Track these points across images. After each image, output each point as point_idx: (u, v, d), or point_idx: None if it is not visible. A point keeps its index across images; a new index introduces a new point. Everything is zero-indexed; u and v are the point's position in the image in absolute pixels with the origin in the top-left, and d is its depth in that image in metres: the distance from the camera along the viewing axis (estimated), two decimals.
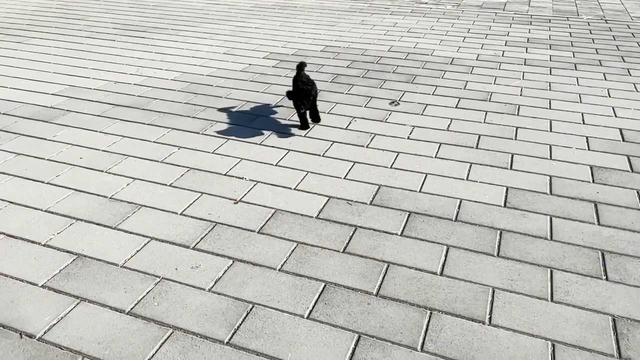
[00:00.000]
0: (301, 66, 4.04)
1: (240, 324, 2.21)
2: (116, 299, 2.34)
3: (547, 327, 2.20)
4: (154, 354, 2.06)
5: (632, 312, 2.28)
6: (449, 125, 4.14)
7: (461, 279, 2.48)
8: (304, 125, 4.02)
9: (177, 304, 2.32)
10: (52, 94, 4.71)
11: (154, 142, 3.83)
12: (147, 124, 4.12)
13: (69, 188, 3.21)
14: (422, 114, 4.36)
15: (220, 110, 4.40)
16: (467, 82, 5.11)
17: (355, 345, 2.12)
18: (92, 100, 4.57)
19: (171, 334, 2.16)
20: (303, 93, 3.77)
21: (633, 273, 2.52)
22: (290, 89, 4.07)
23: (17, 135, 3.91)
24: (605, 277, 2.50)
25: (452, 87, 4.98)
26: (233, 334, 2.16)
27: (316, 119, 4.12)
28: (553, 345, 2.11)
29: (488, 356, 2.06)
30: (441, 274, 2.52)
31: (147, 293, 2.38)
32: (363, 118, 4.28)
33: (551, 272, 2.53)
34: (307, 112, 4.01)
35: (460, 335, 2.16)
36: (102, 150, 3.69)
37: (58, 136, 3.91)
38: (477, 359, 2.05)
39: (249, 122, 4.17)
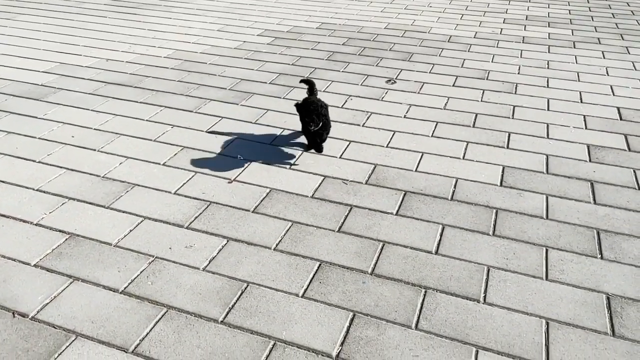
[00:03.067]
0: (311, 88, 3.46)
1: (235, 303, 2.21)
2: (109, 278, 2.32)
3: (541, 306, 2.21)
4: (148, 333, 2.06)
5: (626, 291, 2.29)
6: (445, 104, 4.10)
7: (456, 258, 2.47)
8: (313, 146, 3.32)
9: (171, 283, 2.31)
10: (42, 72, 4.62)
11: (146, 120, 3.78)
12: (140, 102, 4.05)
13: (61, 167, 3.17)
14: (418, 93, 4.31)
15: (214, 88, 4.34)
16: (464, 60, 5.05)
17: (350, 323, 2.12)
18: (84, 78, 4.49)
19: (165, 312, 2.15)
20: (313, 105, 3.14)
21: (628, 252, 2.52)
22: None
23: (7, 114, 3.85)
24: (600, 255, 2.50)
25: (449, 65, 4.92)
26: (227, 313, 2.16)
27: (321, 139, 3.33)
28: (547, 323, 2.12)
29: (482, 334, 2.07)
30: (436, 252, 2.51)
31: (141, 272, 2.36)
32: (359, 96, 4.22)
33: (546, 250, 2.53)
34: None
35: (454, 314, 2.17)
36: (94, 129, 3.64)
37: (49, 114, 3.84)
38: (472, 337, 2.05)
39: (243, 101, 4.11)
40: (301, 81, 3.58)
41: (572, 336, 2.06)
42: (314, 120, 3.11)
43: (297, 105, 3.24)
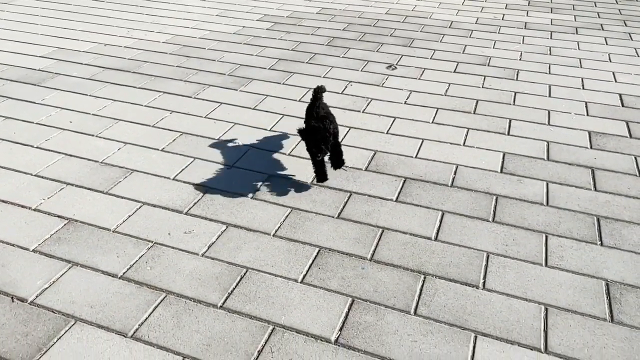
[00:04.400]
0: (319, 91, 2.99)
1: (234, 288, 2.21)
2: (108, 263, 2.32)
3: (540, 292, 2.21)
4: (147, 318, 2.06)
5: (625, 277, 2.29)
6: (446, 90, 4.07)
7: (456, 244, 2.47)
8: (320, 177, 2.88)
9: (170, 268, 2.31)
10: (40, 57, 4.58)
11: (145, 106, 3.75)
12: (138, 88, 4.02)
13: (59, 152, 3.15)
14: (419, 79, 4.27)
15: (213, 73, 4.30)
16: (465, 46, 5.00)
17: (349, 308, 2.12)
18: (82, 63, 4.45)
19: (164, 298, 2.15)
20: (320, 133, 2.67)
21: (628, 238, 2.52)
22: (304, 122, 2.99)
23: (4, 99, 3.82)
24: (600, 242, 2.50)
25: (450, 51, 4.87)
26: (226, 298, 2.16)
27: (339, 163, 2.89)
28: (546, 310, 2.12)
29: (481, 320, 2.07)
30: (436, 239, 2.51)
31: (140, 258, 2.36)
32: (359, 82, 4.19)
33: (546, 237, 2.52)
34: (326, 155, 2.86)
35: (453, 300, 2.17)
36: (92, 114, 3.61)
37: (47, 99, 3.81)
38: (470, 323, 2.06)
39: (242, 86, 4.08)
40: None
41: (570, 322, 2.07)
42: (322, 150, 2.68)
43: (300, 131, 2.78)
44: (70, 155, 3.12)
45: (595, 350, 1.95)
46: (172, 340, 1.97)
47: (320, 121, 2.71)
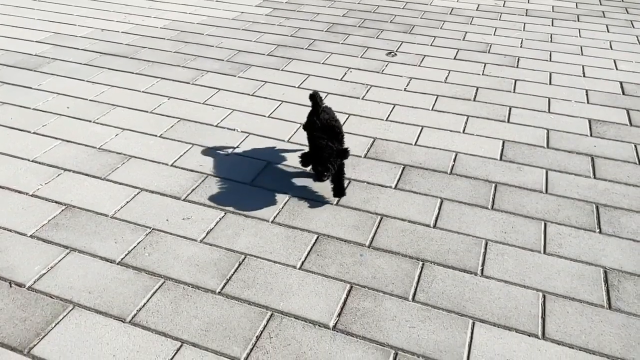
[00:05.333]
0: (317, 99, 2.74)
1: (232, 275, 2.20)
2: (106, 249, 2.31)
3: (538, 279, 2.21)
4: (145, 303, 2.06)
5: (623, 264, 2.29)
6: (446, 77, 4.04)
7: (454, 231, 2.47)
8: (337, 192, 2.64)
9: (168, 254, 2.30)
10: (36, 42, 4.53)
11: (142, 92, 3.72)
12: (136, 74, 3.99)
13: (56, 138, 3.13)
14: (419, 66, 4.24)
15: (211, 59, 4.26)
16: (466, 32, 4.96)
17: (347, 295, 2.12)
18: (78, 49, 4.41)
19: (162, 283, 2.15)
20: (325, 152, 2.44)
21: (626, 226, 2.52)
22: (304, 128, 2.80)
23: (1, 84, 3.78)
24: (598, 229, 2.50)
25: (450, 37, 4.83)
26: (225, 284, 2.16)
27: (340, 190, 2.63)
28: (544, 296, 2.12)
29: (479, 306, 2.07)
30: (434, 226, 2.50)
31: (138, 244, 2.35)
32: (359, 69, 4.16)
33: (545, 224, 2.52)
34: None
35: (452, 286, 2.17)
36: (90, 100, 3.59)
37: (43, 85, 3.78)
38: (468, 309, 2.06)
39: (241, 72, 4.04)
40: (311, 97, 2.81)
41: (568, 309, 2.07)
42: (329, 169, 2.46)
43: (303, 157, 2.60)
44: (68, 141, 3.10)
45: (593, 337, 1.96)
46: (170, 326, 1.97)
47: (324, 131, 2.53)
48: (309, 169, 2.52)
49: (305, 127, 2.77)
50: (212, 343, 1.90)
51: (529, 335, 1.96)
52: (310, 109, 2.78)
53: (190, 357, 1.85)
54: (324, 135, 2.53)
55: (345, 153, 2.53)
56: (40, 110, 3.44)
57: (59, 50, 4.37)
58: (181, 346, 1.89)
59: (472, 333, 1.96)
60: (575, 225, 2.52)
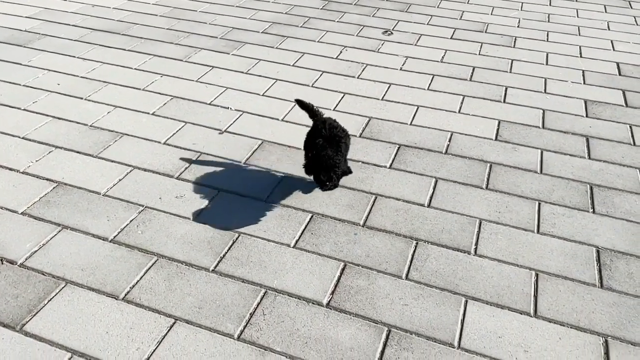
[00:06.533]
0: (307, 108, 2.61)
1: (226, 253, 2.20)
2: (99, 226, 2.30)
3: (531, 258, 2.22)
4: (138, 281, 2.05)
5: (616, 244, 2.30)
6: (443, 57, 4.00)
7: (449, 211, 2.47)
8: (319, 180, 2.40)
9: (161, 232, 2.29)
10: (26, 17, 4.44)
11: (135, 69, 3.66)
12: (128, 50, 3.92)
13: (47, 115, 3.08)
14: (415, 45, 4.20)
15: (205, 37, 4.19)
16: (463, 12, 4.90)
17: (341, 273, 2.12)
18: (69, 24, 4.32)
19: (156, 261, 2.14)
20: (331, 160, 2.29)
21: (620, 206, 2.53)
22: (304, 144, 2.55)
23: None
24: (592, 209, 2.50)
25: (447, 17, 4.78)
26: (219, 262, 2.15)
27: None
28: (537, 275, 2.14)
29: (472, 284, 2.08)
30: (429, 205, 2.50)
31: (131, 221, 2.34)
32: (354, 47, 4.11)
33: (539, 204, 2.52)
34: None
35: (445, 265, 2.17)
36: (81, 77, 3.53)
37: (34, 61, 3.71)
38: (461, 287, 2.07)
39: (234, 50, 3.98)
40: (298, 103, 2.67)
41: (560, 287, 2.08)
42: (333, 179, 2.30)
43: (306, 166, 2.43)
44: (59, 118, 3.05)
45: (584, 315, 1.97)
46: (163, 303, 1.96)
47: (330, 140, 2.32)
48: (310, 177, 2.41)
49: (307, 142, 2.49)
50: (206, 320, 1.90)
51: (521, 313, 1.97)
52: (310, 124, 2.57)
53: (183, 334, 1.85)
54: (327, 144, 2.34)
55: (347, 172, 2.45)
56: (31, 87, 3.38)
57: (50, 26, 4.29)
58: (174, 323, 1.89)
59: (464, 311, 1.97)
60: (569, 205, 2.52)
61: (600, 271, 2.17)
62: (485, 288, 2.07)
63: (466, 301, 2.01)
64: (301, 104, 2.65)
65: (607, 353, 1.84)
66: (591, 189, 2.64)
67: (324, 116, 2.58)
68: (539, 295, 2.05)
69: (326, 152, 2.30)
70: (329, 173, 2.28)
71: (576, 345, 1.86)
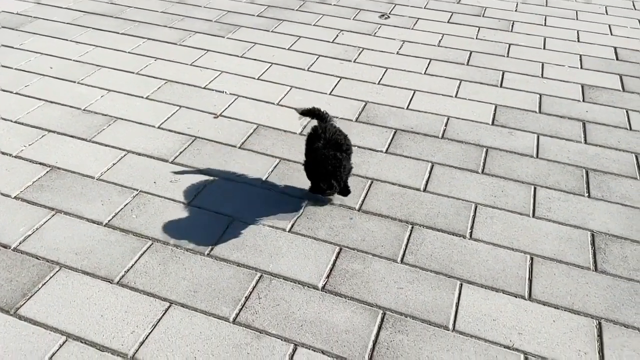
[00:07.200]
0: (314, 114, 2.41)
1: (221, 236, 2.19)
2: (93, 211, 2.28)
3: (526, 242, 2.22)
4: (133, 265, 2.04)
5: (611, 228, 2.31)
6: (440, 41, 3.97)
7: (444, 195, 2.46)
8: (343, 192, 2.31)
9: (156, 216, 2.28)
10: (18, 0, 4.37)
11: (128, 52, 3.62)
12: (121, 34, 3.87)
13: (40, 99, 3.05)
14: (412, 29, 4.16)
15: (199, 20, 4.14)
16: None
17: (337, 257, 2.12)
18: (62, 7, 4.26)
19: (150, 245, 2.13)
20: (331, 164, 2.13)
21: (615, 190, 2.53)
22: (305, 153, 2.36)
23: None
24: (587, 194, 2.51)
25: (444, 1, 4.73)
26: (214, 246, 2.14)
27: (344, 191, 2.33)
28: (531, 259, 2.14)
29: (467, 268, 2.09)
30: (424, 190, 2.50)
31: (125, 206, 2.32)
32: (351, 31, 4.07)
33: (535, 189, 2.52)
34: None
35: (440, 249, 2.17)
36: (74, 60, 3.48)
37: (26, 44, 3.66)
38: (456, 271, 2.07)
39: (229, 34, 3.94)
40: (303, 113, 2.45)
41: (555, 271, 2.09)
42: (333, 186, 2.14)
43: (306, 164, 2.27)
44: (52, 102, 3.02)
45: (578, 298, 1.98)
46: (158, 287, 1.96)
47: (332, 147, 2.15)
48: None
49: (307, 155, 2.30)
50: (201, 303, 1.90)
51: (516, 296, 1.98)
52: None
53: (179, 317, 1.85)
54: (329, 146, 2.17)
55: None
56: (23, 70, 3.34)
57: (42, 8, 4.22)
58: (170, 306, 1.89)
59: (459, 294, 1.98)
60: (565, 190, 2.52)
61: (594, 255, 2.17)
62: (480, 271, 2.08)
63: (461, 284, 2.02)
64: (311, 112, 2.42)
65: (600, 335, 1.85)
66: (587, 173, 2.64)
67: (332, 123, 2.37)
68: (534, 279, 2.05)
69: (327, 152, 2.10)
70: (329, 180, 2.11)
71: (570, 327, 1.87)
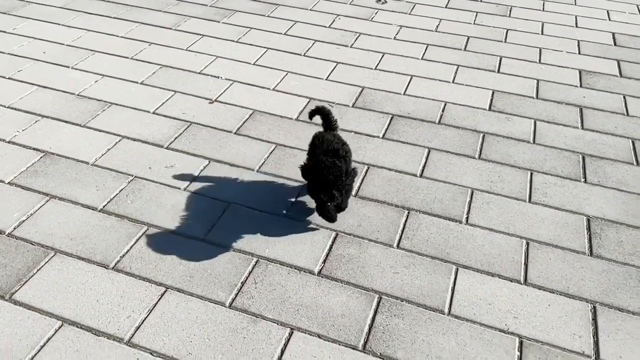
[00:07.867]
0: (322, 113, 2.30)
1: (217, 222, 2.18)
2: (88, 196, 2.27)
3: (523, 227, 2.22)
4: (128, 250, 2.03)
5: (606, 213, 2.31)
6: (437, 26, 3.93)
7: (441, 181, 2.46)
8: (327, 217, 2.11)
9: (151, 202, 2.26)
10: None
11: (122, 37, 3.57)
12: (114, 18, 3.82)
13: (33, 84, 3.01)
14: (410, 14, 4.12)
15: (194, 4, 4.09)
16: None
17: (333, 242, 2.11)
18: None
19: (146, 230, 2.13)
20: (331, 172, 1.99)
21: (611, 176, 2.53)
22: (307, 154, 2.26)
23: None
24: (584, 179, 2.50)
25: None
26: (209, 231, 2.14)
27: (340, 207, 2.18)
28: (527, 243, 2.14)
29: (463, 253, 2.09)
30: (421, 175, 2.49)
31: (120, 191, 2.31)
32: (347, 16, 4.03)
33: (531, 174, 2.52)
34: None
35: (436, 234, 2.17)
36: (67, 45, 3.44)
37: (18, 29, 3.61)
38: (452, 256, 2.07)
39: (225, 18, 3.89)
40: (312, 113, 2.35)
41: (550, 255, 2.10)
42: (334, 196, 2.01)
43: (303, 168, 2.12)
44: (45, 87, 2.99)
45: (573, 282, 1.99)
46: (154, 272, 1.96)
47: (333, 155, 2.04)
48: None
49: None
50: (197, 288, 1.90)
51: (511, 281, 1.99)
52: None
53: (175, 302, 1.85)
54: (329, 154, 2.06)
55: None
56: (16, 55, 3.29)
57: None
58: (165, 291, 1.89)
59: (455, 279, 1.98)
60: (561, 175, 2.52)
61: (590, 239, 2.18)
62: (476, 256, 2.08)
63: (457, 269, 2.02)
64: (319, 111, 2.32)
65: (595, 319, 1.86)
66: (583, 158, 2.63)
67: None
68: (529, 263, 2.06)
69: (327, 160, 2.00)
70: (330, 190, 1.98)
71: (565, 311, 1.88)
